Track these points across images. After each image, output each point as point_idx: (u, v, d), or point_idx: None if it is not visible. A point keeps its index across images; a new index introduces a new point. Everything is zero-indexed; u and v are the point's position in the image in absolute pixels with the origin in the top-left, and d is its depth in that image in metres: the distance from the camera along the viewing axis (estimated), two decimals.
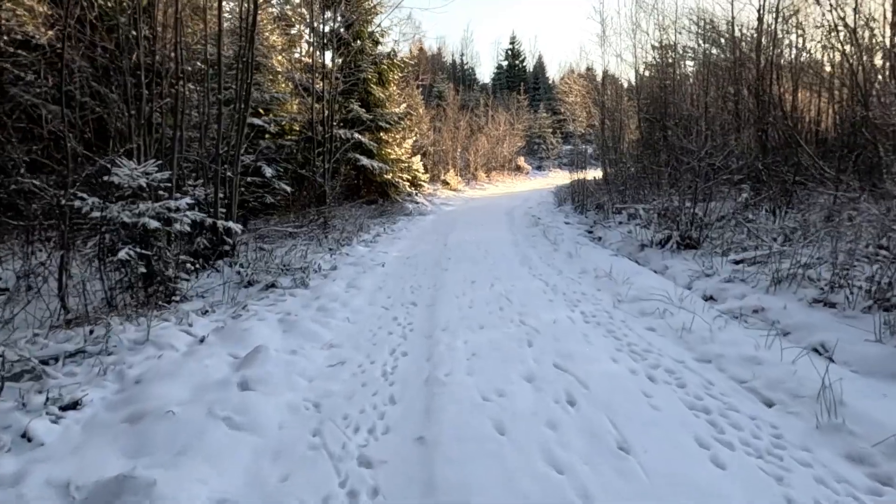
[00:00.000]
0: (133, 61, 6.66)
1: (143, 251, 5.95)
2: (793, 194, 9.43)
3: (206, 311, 5.47)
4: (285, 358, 3.96)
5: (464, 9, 71.15)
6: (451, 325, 4.87)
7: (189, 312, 5.19)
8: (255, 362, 3.78)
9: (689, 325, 4.56)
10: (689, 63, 16.80)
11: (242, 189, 11.91)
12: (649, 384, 3.55)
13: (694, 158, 8.49)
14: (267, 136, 13.63)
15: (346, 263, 8.09)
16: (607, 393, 3.37)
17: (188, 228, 6.59)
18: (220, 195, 8.60)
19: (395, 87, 17.54)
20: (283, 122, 13.85)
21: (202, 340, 4.39)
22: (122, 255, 5.65)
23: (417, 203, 17.03)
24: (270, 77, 14.83)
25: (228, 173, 8.29)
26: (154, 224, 5.88)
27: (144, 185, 6.08)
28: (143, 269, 6.09)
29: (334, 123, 14.81)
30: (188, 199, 6.65)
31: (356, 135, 15.06)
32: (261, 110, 13.19)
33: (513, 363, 3.88)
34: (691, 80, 15.92)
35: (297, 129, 14.36)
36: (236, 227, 8.14)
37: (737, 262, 6.83)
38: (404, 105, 18.44)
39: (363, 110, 15.49)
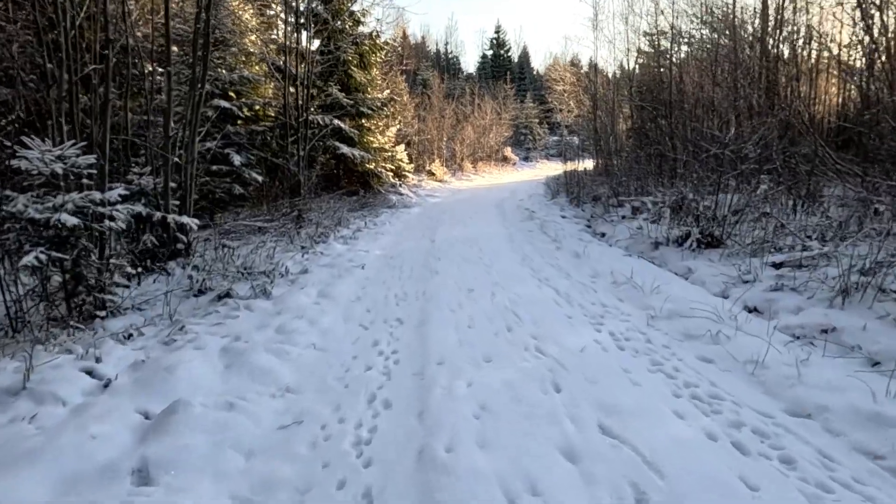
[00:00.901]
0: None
1: (60, 254, 4.65)
2: (809, 186, 8.41)
3: (131, 335, 4.18)
4: (217, 417, 2.72)
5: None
6: (449, 356, 3.66)
7: (106, 338, 3.91)
8: (168, 428, 2.53)
9: (760, 357, 3.41)
10: (685, 49, 15.59)
11: (207, 178, 10.56)
12: (743, 462, 2.39)
13: (719, 147, 7.37)
14: (239, 121, 12.23)
15: (319, 265, 6.82)
16: (692, 484, 2.20)
17: (123, 226, 5.29)
18: (173, 185, 7.30)
19: (377, 71, 16.15)
20: (257, 107, 12.42)
21: (107, 385, 3.12)
22: (27, 259, 4.35)
23: (401, 195, 15.75)
24: (243, 59, 13.43)
25: (177, 160, 6.96)
26: (72, 221, 4.57)
27: (60, 171, 4.76)
28: (59, 277, 4.81)
29: (311, 108, 13.44)
30: (121, 190, 5.33)
31: (335, 121, 13.70)
32: (231, 93, 11.75)
33: (541, 424, 2.69)
34: (689, 66, 14.76)
35: (273, 114, 12.94)
36: (192, 222, 6.85)
37: (776, 266, 5.73)
38: (387, 91, 17.08)
39: (343, 94, 14.11)
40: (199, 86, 7.06)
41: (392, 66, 19.74)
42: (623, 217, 10.01)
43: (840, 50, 9.84)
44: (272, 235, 9.05)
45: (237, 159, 10.94)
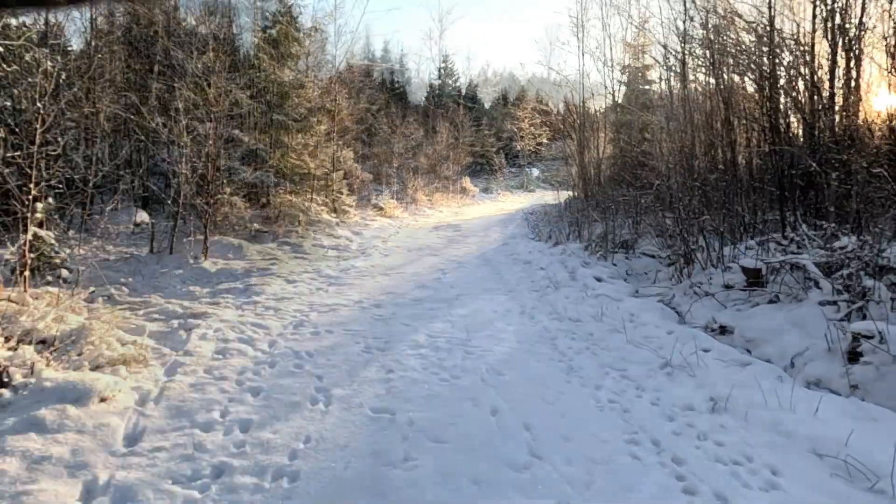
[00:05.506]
0: None
1: None
2: None
3: None
4: None
5: (395, 23, 64.77)
6: None
7: None
8: None
9: None
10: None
11: None
12: None
13: None
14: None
15: None
16: None
17: None
18: None
19: (303, 74, 10.94)
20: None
21: None
22: None
23: (338, 238, 10.41)
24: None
25: None
26: None
27: None
28: None
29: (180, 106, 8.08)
30: None
31: (235, 132, 8.36)
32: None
33: None
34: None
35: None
36: None
37: None
38: (326, 103, 11.80)
39: (245, 94, 8.79)
40: None
41: (332, 80, 14.57)
42: (728, 287, 5.15)
43: None
44: None
45: None
